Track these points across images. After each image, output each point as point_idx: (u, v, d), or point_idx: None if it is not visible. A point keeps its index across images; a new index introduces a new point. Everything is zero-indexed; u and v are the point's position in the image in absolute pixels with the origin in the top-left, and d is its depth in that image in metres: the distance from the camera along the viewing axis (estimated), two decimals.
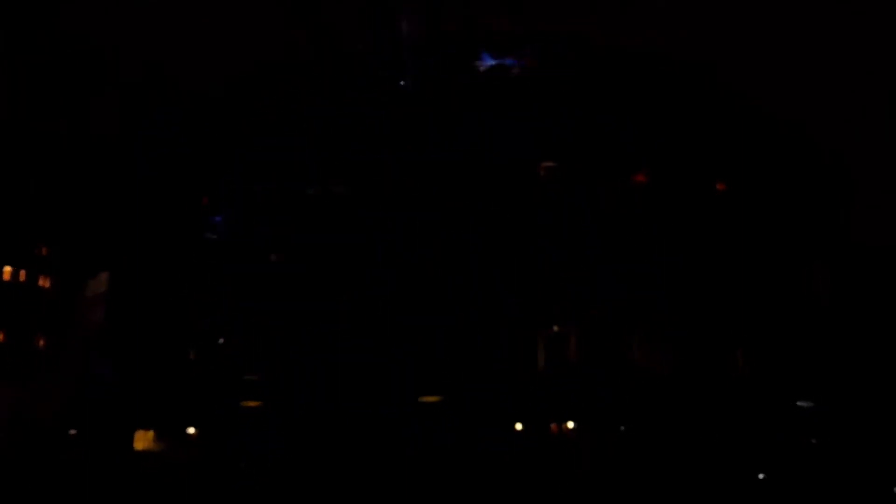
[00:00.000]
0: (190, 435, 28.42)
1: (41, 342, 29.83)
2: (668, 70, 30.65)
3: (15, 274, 29.78)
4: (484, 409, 28.89)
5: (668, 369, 29.76)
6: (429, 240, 29.69)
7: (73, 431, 28.16)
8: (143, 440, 28.32)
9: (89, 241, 30.03)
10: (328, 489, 27.37)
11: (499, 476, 27.51)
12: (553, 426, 29.04)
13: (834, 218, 30.82)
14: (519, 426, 28.84)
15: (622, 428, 28.80)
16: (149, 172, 29.76)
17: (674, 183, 30.49)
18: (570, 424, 28.79)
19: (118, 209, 29.95)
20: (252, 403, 28.59)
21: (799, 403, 29.07)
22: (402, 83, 30.34)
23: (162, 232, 29.85)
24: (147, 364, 29.02)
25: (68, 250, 30.17)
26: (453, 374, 29.30)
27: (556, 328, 29.85)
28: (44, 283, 30.20)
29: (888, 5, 29.75)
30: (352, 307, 29.55)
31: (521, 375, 29.77)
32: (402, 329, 29.29)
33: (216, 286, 29.66)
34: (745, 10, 30.05)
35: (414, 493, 27.27)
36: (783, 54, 29.79)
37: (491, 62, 30.50)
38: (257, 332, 29.24)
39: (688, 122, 30.63)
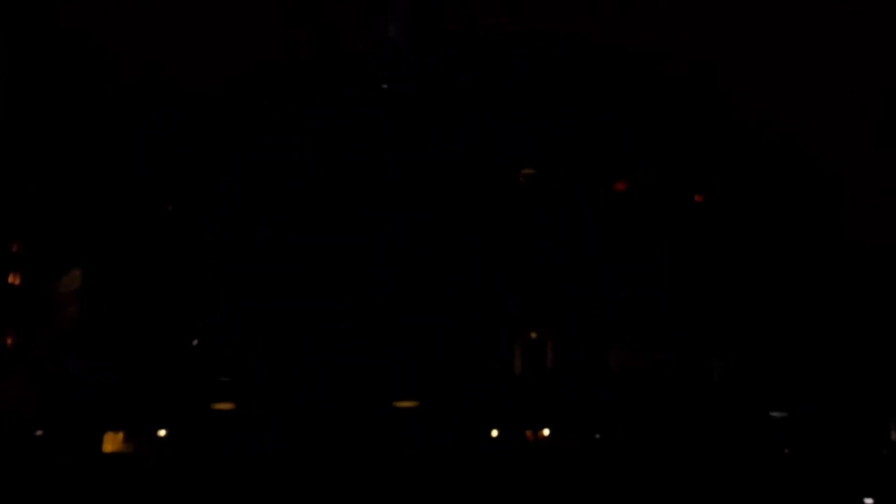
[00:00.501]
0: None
1: (11, 340, 29.73)
2: (669, 70, 30.79)
3: None
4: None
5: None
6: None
7: (39, 432, 28.05)
8: (113, 441, 28.20)
9: (62, 238, 29.95)
10: (328, 489, 27.40)
11: (500, 478, 27.58)
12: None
13: (831, 220, 30.92)
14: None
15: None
16: (149, 172, 29.78)
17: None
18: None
19: (98, 206, 29.89)
20: (227, 406, 28.55)
21: (773, 414, 29.22)
22: (386, 85, 30.35)
23: (161, 231, 29.88)
24: (127, 363, 28.94)
25: (40, 247, 30.09)
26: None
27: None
28: (14, 280, 30.13)
29: (888, 7, 29.93)
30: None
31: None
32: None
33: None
34: (746, 11, 30.23)
35: (414, 493, 27.31)
36: (782, 55, 29.91)
37: (491, 62, 30.56)
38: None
39: (688, 122, 30.73)
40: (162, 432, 28.16)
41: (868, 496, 27.08)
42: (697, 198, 30.68)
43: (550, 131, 30.19)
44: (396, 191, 29.78)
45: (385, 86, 30.48)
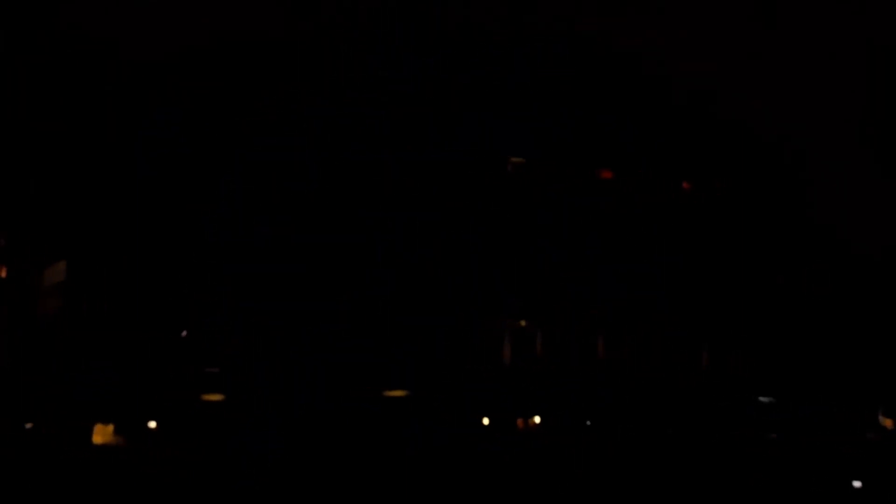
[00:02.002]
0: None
1: None
2: (669, 70, 30.80)
3: None
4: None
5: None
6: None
7: (29, 425, 28.02)
8: (102, 434, 28.14)
9: (46, 230, 30.00)
10: (328, 488, 27.41)
11: (501, 476, 27.58)
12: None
13: (830, 220, 30.98)
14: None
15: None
16: (149, 172, 29.79)
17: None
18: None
19: (96, 205, 29.95)
20: (216, 397, 28.56)
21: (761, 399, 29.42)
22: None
23: (160, 230, 29.91)
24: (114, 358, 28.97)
25: (25, 239, 30.13)
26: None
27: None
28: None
29: (889, 7, 29.98)
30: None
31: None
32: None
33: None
34: (746, 11, 30.27)
35: (415, 493, 27.32)
36: (783, 55, 29.94)
37: (491, 62, 30.58)
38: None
39: (688, 122, 30.77)
40: (152, 424, 28.13)
41: (857, 479, 27.24)
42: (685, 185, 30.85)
43: (550, 131, 30.24)
44: (396, 191, 29.82)
45: (397, 84, 30.44)
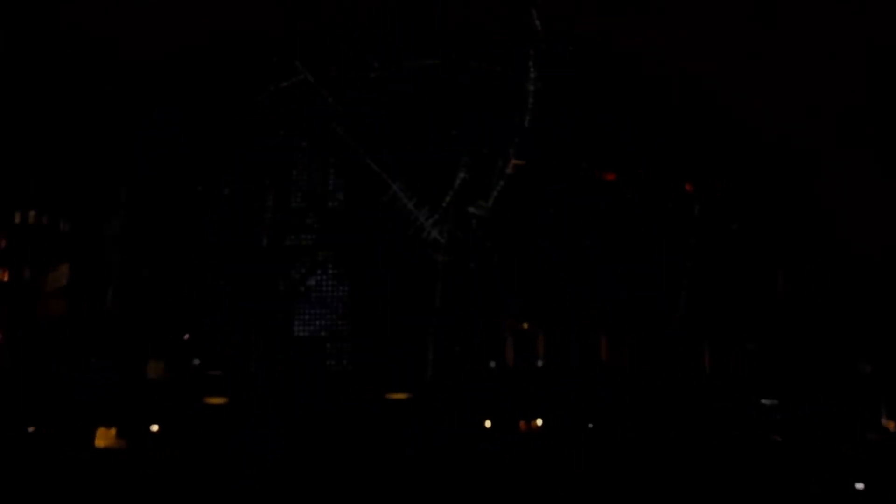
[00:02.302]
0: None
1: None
2: (668, 70, 30.79)
3: None
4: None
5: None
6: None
7: (31, 429, 28.04)
8: (105, 437, 28.17)
9: (49, 233, 30.05)
10: (327, 488, 27.39)
11: (501, 476, 27.56)
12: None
13: (829, 220, 30.99)
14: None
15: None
16: (149, 172, 29.84)
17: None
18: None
19: (96, 205, 30.01)
20: (219, 400, 28.60)
21: (763, 402, 29.44)
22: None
23: (161, 230, 29.96)
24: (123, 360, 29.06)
25: (27, 242, 30.19)
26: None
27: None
28: (2, 275, 30.17)
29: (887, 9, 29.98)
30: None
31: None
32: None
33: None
34: (746, 11, 30.24)
35: (415, 493, 27.29)
36: (782, 56, 29.93)
37: (491, 62, 30.55)
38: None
39: (688, 122, 30.77)
40: (154, 427, 28.19)
41: (859, 481, 27.19)
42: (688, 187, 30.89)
43: (550, 131, 30.22)
44: (396, 191, 29.81)
45: (397, 82, 30.41)
